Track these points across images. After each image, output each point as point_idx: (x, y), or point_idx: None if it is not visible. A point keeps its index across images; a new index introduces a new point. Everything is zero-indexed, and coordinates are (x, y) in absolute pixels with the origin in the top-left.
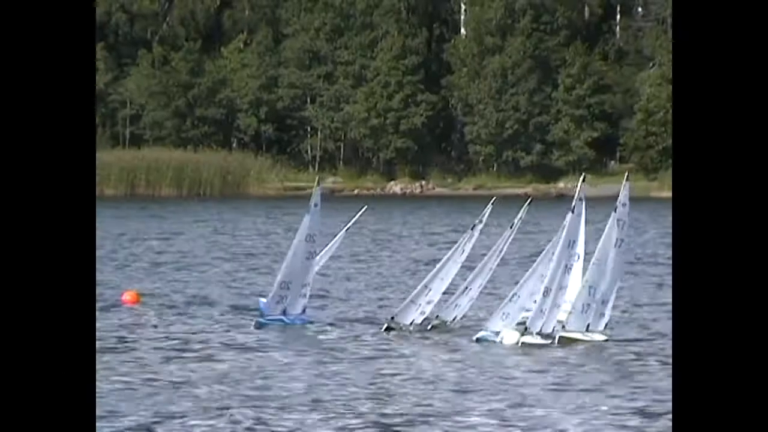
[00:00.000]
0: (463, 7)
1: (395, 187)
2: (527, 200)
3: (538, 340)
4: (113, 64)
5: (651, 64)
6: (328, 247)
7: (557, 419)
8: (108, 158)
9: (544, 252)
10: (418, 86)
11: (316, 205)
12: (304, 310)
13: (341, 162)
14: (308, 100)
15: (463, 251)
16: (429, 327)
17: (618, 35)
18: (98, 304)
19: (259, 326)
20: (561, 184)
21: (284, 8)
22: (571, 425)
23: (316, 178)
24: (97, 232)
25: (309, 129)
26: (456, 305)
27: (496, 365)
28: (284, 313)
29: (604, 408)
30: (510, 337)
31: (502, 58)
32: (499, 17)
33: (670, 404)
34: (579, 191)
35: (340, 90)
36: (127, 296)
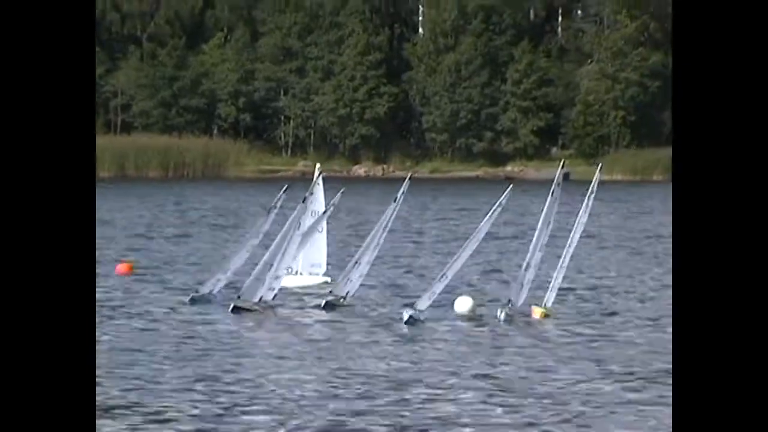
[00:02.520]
0: (421, 9)
1: (359, 170)
2: (408, 178)
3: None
4: (106, 58)
5: (589, 61)
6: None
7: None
8: (101, 143)
9: (475, 233)
10: (381, 80)
11: None
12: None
13: (311, 147)
14: (282, 91)
15: (300, 224)
16: (323, 304)
17: (560, 35)
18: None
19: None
20: (509, 168)
21: (260, 9)
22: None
23: None
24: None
25: (282, 118)
26: (348, 280)
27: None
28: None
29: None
30: (463, 304)
31: (456, 56)
32: (453, 18)
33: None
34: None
35: (311, 83)
36: (121, 267)
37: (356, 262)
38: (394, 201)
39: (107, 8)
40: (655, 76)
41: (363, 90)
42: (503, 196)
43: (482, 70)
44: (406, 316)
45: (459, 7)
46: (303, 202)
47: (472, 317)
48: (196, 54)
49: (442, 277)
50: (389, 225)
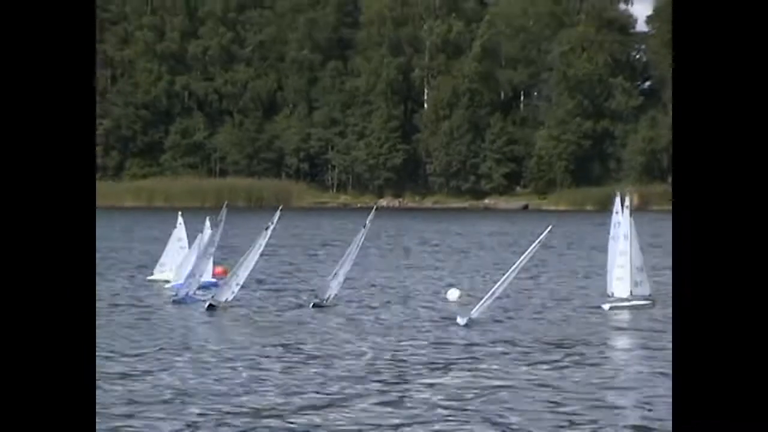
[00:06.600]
0: (426, 90)
1: (383, 202)
2: (374, 208)
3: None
4: (210, 126)
5: (542, 127)
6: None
7: None
8: (206, 185)
9: (520, 259)
10: (398, 140)
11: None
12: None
13: (350, 186)
14: (330, 148)
15: (260, 246)
16: (312, 305)
17: (522, 108)
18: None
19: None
20: (486, 201)
21: (314, 91)
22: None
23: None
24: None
25: (330, 166)
26: (329, 287)
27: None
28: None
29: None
30: (452, 294)
31: (451, 123)
32: (448, 97)
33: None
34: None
35: (350, 142)
36: (218, 270)
37: (335, 273)
38: (364, 227)
39: (209, 91)
40: (588, 137)
41: (386, 147)
42: (543, 234)
43: (468, 133)
44: (463, 321)
45: (452, 89)
46: (266, 230)
47: (461, 303)
48: (270, 122)
49: (496, 290)
50: (360, 243)
